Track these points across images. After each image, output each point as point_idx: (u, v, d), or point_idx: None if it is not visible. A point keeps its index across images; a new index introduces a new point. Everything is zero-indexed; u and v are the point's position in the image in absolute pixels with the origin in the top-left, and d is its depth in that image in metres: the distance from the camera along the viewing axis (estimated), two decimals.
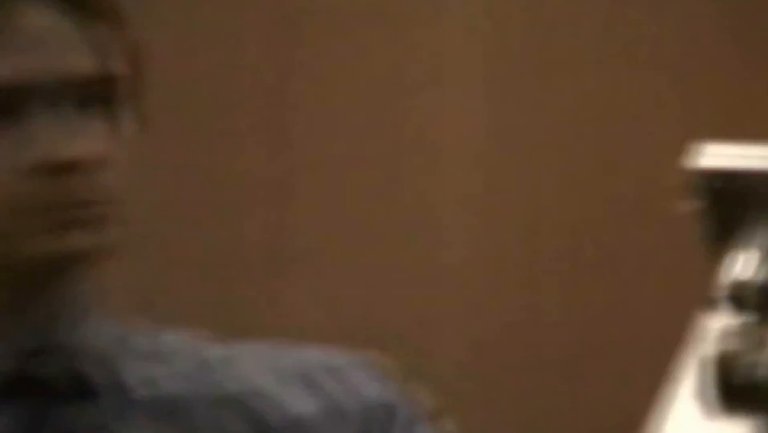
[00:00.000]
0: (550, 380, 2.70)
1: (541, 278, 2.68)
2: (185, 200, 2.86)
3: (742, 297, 0.73)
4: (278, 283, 2.82)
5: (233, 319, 2.66)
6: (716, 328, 0.80)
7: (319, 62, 2.95)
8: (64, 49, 0.78)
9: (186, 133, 2.90)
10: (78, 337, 0.82)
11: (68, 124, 0.76)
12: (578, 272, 2.60)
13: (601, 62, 2.77)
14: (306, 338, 0.95)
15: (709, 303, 0.78)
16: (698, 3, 2.68)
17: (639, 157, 2.64)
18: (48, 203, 0.76)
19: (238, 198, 2.89)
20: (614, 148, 2.71)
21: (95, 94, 0.78)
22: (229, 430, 0.83)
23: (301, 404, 0.84)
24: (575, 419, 2.60)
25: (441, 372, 2.63)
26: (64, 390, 0.80)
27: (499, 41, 2.79)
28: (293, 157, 2.86)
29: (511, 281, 2.68)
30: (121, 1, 0.84)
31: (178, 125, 2.85)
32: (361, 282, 2.80)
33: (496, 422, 2.74)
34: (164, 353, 0.86)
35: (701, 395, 0.77)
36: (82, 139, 0.76)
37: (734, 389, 0.76)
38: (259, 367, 0.85)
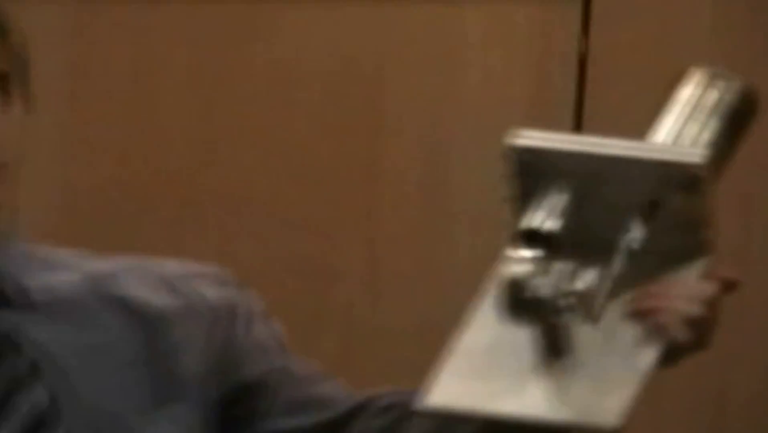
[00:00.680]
0: None
1: None
2: None
3: (533, 238, 1.06)
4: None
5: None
6: (516, 259, 1.08)
7: None
8: None
9: None
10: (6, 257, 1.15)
11: None
12: None
13: None
14: None
15: (513, 242, 1.09)
16: None
17: None
18: None
19: None
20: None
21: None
22: (113, 323, 1.17)
23: (166, 301, 1.18)
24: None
25: None
26: None
27: None
28: None
29: None
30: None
31: None
32: None
33: None
34: (59, 266, 1.18)
35: (498, 307, 1.05)
36: None
37: (522, 303, 1.04)
38: (133, 275, 1.19)
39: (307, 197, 2.79)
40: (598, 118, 2.55)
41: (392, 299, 2.65)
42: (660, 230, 1.05)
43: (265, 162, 2.83)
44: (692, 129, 1.08)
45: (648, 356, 1.03)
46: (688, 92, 1.11)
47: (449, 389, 1.04)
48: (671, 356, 1.02)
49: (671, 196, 1.04)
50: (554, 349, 1.04)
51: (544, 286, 0.99)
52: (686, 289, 1.04)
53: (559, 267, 1.00)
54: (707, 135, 1.07)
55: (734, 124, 1.10)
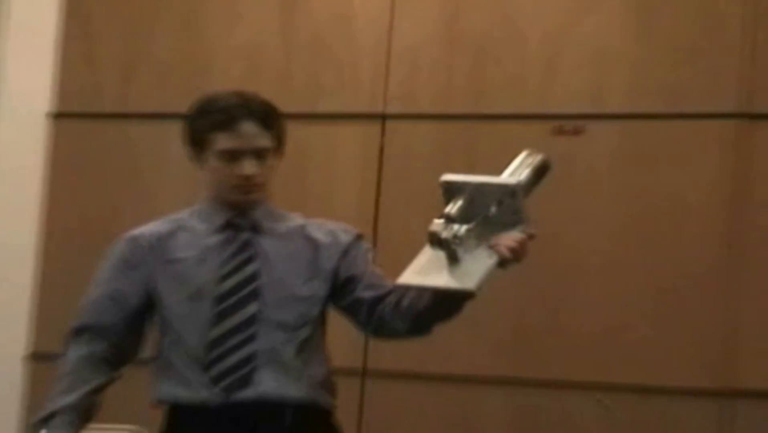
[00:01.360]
0: None
1: None
2: None
3: (446, 217, 2.56)
4: None
5: None
6: (436, 223, 2.57)
7: None
8: (258, 138, 2.88)
9: None
10: (253, 213, 2.95)
11: (252, 161, 2.88)
12: None
13: None
14: None
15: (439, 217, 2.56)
16: None
17: None
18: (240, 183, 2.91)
19: None
20: None
21: (267, 150, 2.91)
22: (299, 243, 2.92)
23: (322, 238, 2.96)
24: None
25: None
26: (248, 230, 2.92)
27: None
28: None
29: None
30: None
31: None
32: None
33: None
34: (281, 219, 3.00)
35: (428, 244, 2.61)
36: (253, 166, 2.88)
37: (437, 241, 2.55)
38: (312, 226, 2.99)
39: None
40: None
41: None
42: (502, 213, 2.59)
43: None
44: (516, 172, 2.63)
45: (491, 261, 2.57)
46: (519, 158, 2.69)
47: (410, 277, 2.65)
48: (502, 264, 2.59)
49: (506, 198, 2.58)
50: (451, 259, 2.57)
51: (445, 233, 2.55)
52: (512, 237, 2.60)
53: (455, 227, 2.55)
54: (523, 176, 2.62)
55: (535, 174, 2.65)
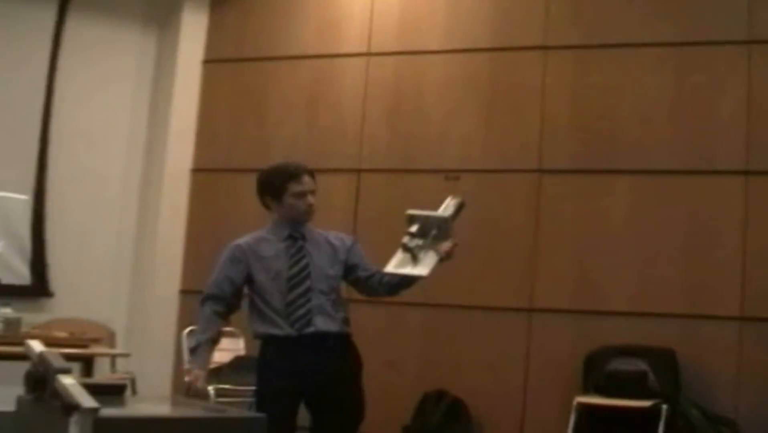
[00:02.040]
0: None
1: None
2: None
3: (411, 235, 4.42)
4: None
5: None
6: (406, 238, 4.47)
7: None
8: (311, 184, 4.69)
9: None
10: (303, 229, 4.62)
11: (312, 197, 4.65)
12: None
13: None
14: None
15: (407, 236, 4.43)
16: None
17: None
18: (306, 210, 4.63)
19: None
20: None
21: (314, 191, 4.69)
22: (326, 246, 4.63)
23: (336, 242, 4.68)
24: None
25: None
26: (300, 239, 4.60)
27: None
28: None
29: None
30: None
31: None
32: None
33: None
34: (315, 231, 4.74)
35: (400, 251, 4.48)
36: (312, 199, 4.61)
37: (405, 249, 4.45)
38: (331, 235, 4.70)
39: None
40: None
41: None
42: (440, 232, 4.48)
43: None
44: (446, 207, 4.52)
45: (436, 258, 4.45)
46: (447, 200, 4.58)
47: (390, 268, 4.50)
48: (441, 260, 4.47)
49: (443, 224, 4.49)
50: (413, 259, 4.47)
51: (410, 244, 4.45)
52: (446, 245, 4.47)
53: (416, 240, 4.47)
54: (450, 209, 4.51)
55: (458, 208, 4.53)
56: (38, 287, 7.85)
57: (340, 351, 4.48)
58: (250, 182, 4.73)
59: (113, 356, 7.21)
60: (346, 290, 4.73)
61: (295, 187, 4.54)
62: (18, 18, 7.93)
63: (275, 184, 4.58)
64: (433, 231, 4.40)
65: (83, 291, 7.93)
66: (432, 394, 7.33)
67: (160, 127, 8.29)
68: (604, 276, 7.22)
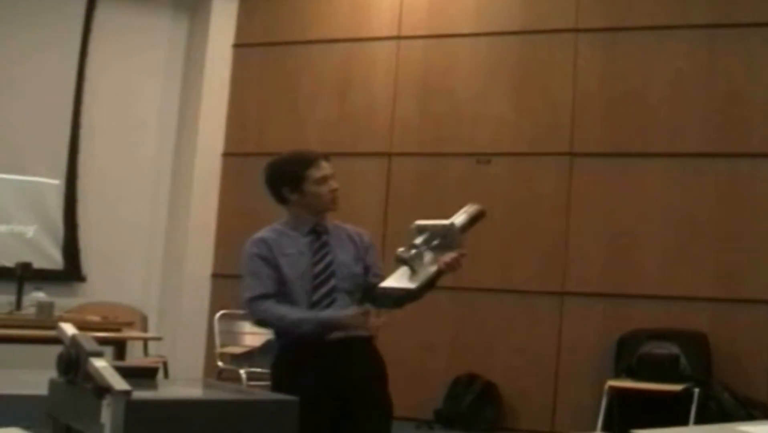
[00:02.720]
0: None
1: None
2: None
3: (410, 246, 3.88)
4: None
5: None
6: (404, 249, 3.90)
7: None
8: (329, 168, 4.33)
9: None
10: (324, 223, 4.26)
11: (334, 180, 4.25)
12: None
13: None
14: None
15: (407, 246, 3.87)
16: None
17: None
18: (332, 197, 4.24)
19: None
20: None
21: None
22: (347, 241, 4.27)
23: (356, 238, 4.31)
24: None
25: None
26: (323, 233, 4.23)
27: None
28: None
29: None
30: None
31: None
32: None
33: None
34: (337, 225, 4.32)
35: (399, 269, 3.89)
36: (336, 183, 4.24)
37: (403, 260, 3.85)
38: (350, 230, 4.33)
39: None
40: None
41: None
42: (446, 241, 3.94)
43: None
44: (458, 217, 3.94)
45: (432, 270, 3.90)
46: (465, 207, 3.99)
47: (389, 283, 3.95)
48: (440, 272, 3.89)
49: (447, 233, 3.93)
50: (413, 271, 3.91)
51: (407, 255, 3.89)
52: (448, 256, 3.90)
53: (413, 251, 3.89)
54: (461, 219, 3.94)
55: (472, 218, 3.97)
56: (71, 272, 7.94)
57: (371, 355, 4.22)
58: None
59: (145, 340, 7.27)
60: None
61: (315, 174, 4.20)
62: (49, 5, 7.98)
63: (292, 173, 4.23)
64: (435, 241, 3.93)
65: (115, 275, 8.02)
66: (463, 377, 7.38)
67: (191, 111, 8.38)
68: (636, 259, 7.24)
